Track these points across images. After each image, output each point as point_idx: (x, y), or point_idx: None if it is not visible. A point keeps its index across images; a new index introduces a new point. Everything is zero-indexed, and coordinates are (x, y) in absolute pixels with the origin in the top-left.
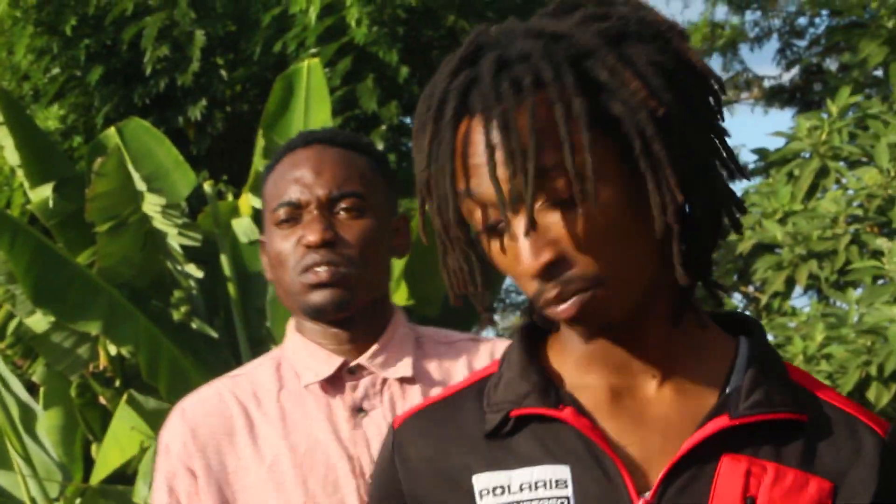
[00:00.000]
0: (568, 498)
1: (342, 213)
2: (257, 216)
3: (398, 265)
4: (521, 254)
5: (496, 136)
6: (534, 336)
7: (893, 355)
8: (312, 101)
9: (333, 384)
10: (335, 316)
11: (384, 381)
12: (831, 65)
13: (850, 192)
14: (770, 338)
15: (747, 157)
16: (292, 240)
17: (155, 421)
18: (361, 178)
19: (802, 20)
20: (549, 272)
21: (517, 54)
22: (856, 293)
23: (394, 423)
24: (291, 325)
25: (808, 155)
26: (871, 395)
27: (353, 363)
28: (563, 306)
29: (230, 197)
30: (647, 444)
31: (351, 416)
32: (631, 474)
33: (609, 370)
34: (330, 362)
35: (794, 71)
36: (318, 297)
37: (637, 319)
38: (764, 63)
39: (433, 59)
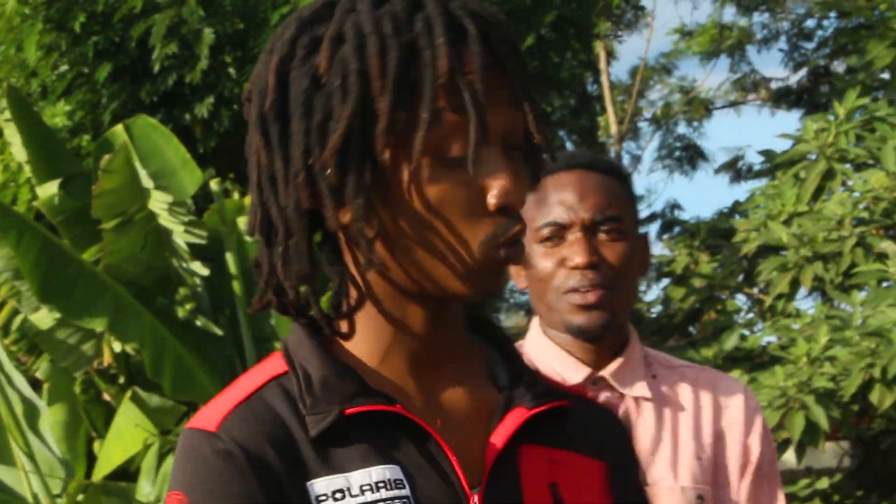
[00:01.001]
0: (408, 497)
1: (603, 235)
2: None
3: None
4: (510, 182)
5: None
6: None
7: None
8: None
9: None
10: (597, 336)
11: (622, 396)
12: (839, 67)
13: (856, 194)
14: (774, 339)
15: (754, 159)
16: (555, 258)
17: (159, 418)
18: (619, 202)
19: (810, 22)
20: (516, 212)
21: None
22: (861, 296)
23: (203, 426)
24: (537, 324)
25: (814, 157)
26: (874, 397)
27: (597, 375)
28: (512, 250)
29: (236, 195)
30: (461, 438)
31: None
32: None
33: (410, 365)
34: (578, 371)
35: (802, 73)
36: (584, 318)
37: (451, 311)
38: (771, 65)
39: None
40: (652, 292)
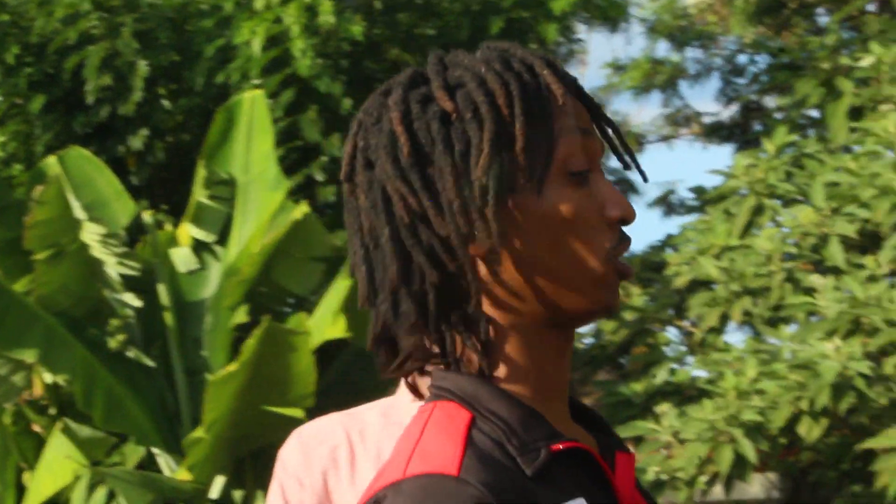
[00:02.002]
0: None
1: None
2: (196, 246)
3: (336, 299)
4: (620, 198)
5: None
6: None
7: (825, 391)
8: (255, 131)
9: None
10: None
11: None
12: (770, 102)
13: (785, 229)
14: (703, 374)
15: (686, 193)
16: None
17: (89, 450)
18: None
19: (742, 58)
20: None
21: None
22: (789, 330)
23: (445, 470)
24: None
25: (744, 192)
26: (801, 429)
27: None
28: (628, 263)
29: (169, 227)
30: None
31: None
32: None
33: (555, 399)
34: None
35: (734, 108)
36: None
37: (572, 342)
38: (704, 100)
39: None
40: None
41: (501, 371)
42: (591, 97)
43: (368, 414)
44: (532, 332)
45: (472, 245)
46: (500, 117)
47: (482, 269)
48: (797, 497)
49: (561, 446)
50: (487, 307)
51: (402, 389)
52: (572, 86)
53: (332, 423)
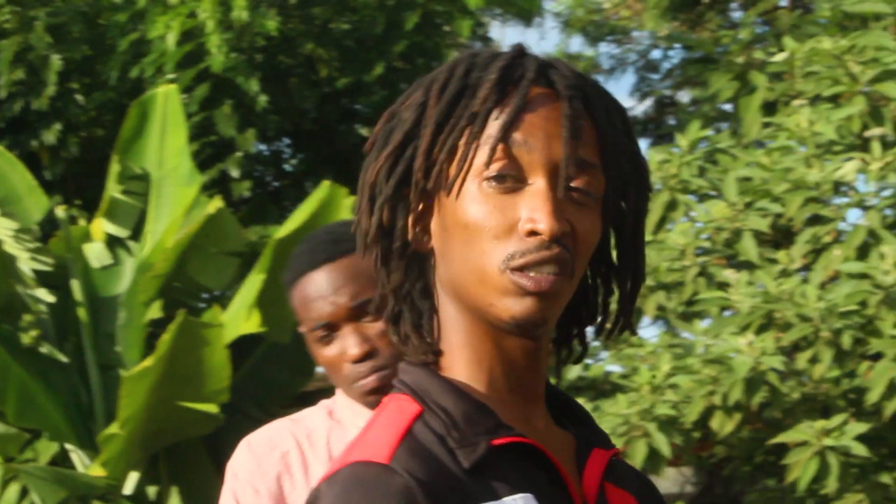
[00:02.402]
0: None
1: (369, 316)
2: (110, 241)
3: (251, 294)
4: (552, 210)
5: (572, 111)
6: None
7: (738, 385)
8: (168, 126)
9: None
10: None
11: None
12: (684, 98)
13: (699, 224)
14: (617, 368)
15: None
16: (335, 351)
17: (2, 446)
18: (373, 279)
19: (656, 53)
20: (561, 239)
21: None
22: (702, 324)
23: (374, 460)
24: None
25: (658, 188)
26: (714, 424)
27: None
28: (539, 276)
29: (83, 222)
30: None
31: None
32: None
33: (514, 398)
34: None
35: (648, 103)
36: (374, 399)
37: (545, 343)
38: (618, 95)
39: (291, 87)
40: None
41: (455, 366)
42: (589, 107)
43: (313, 417)
44: (481, 331)
45: (417, 243)
46: (419, 117)
47: (434, 267)
48: (711, 491)
49: (503, 441)
50: (440, 301)
51: (340, 395)
52: (549, 94)
53: (279, 430)
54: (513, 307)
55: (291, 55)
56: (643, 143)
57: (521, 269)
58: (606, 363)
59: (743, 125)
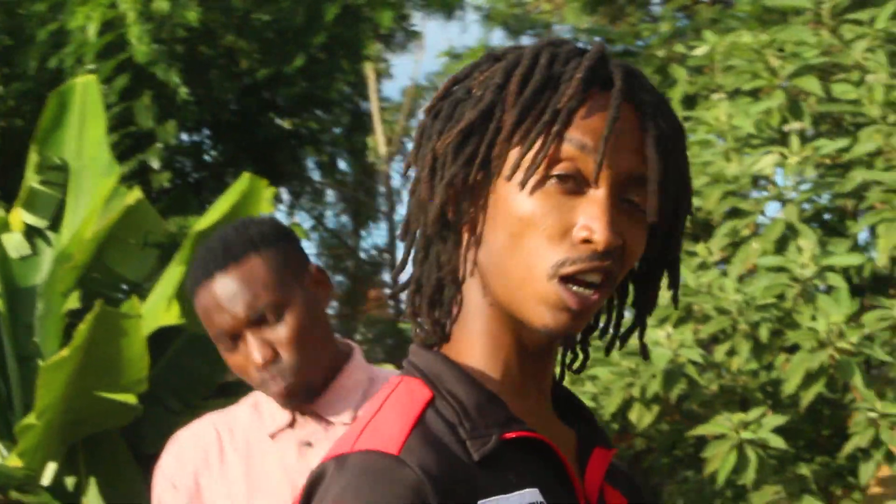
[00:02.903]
0: None
1: (270, 319)
2: (28, 232)
3: (170, 285)
4: (609, 222)
5: (657, 131)
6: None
7: (656, 377)
8: (87, 117)
9: (290, 424)
10: (296, 408)
11: (329, 424)
12: None
13: None
14: None
15: None
16: (241, 357)
17: None
18: (267, 283)
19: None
20: (612, 252)
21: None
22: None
23: (385, 450)
24: None
25: None
26: (633, 416)
27: (305, 407)
28: (584, 289)
29: (1, 212)
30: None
31: (298, 449)
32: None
33: (525, 391)
34: (286, 412)
35: None
36: (282, 402)
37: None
38: None
39: (211, 78)
40: None
41: (471, 354)
42: (658, 123)
43: (239, 410)
44: (502, 323)
45: (454, 217)
46: (496, 103)
47: (467, 248)
48: None
49: (514, 435)
50: (467, 286)
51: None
52: (629, 102)
53: (205, 426)
54: (548, 318)
55: (212, 46)
56: None
57: (568, 278)
58: None
59: None
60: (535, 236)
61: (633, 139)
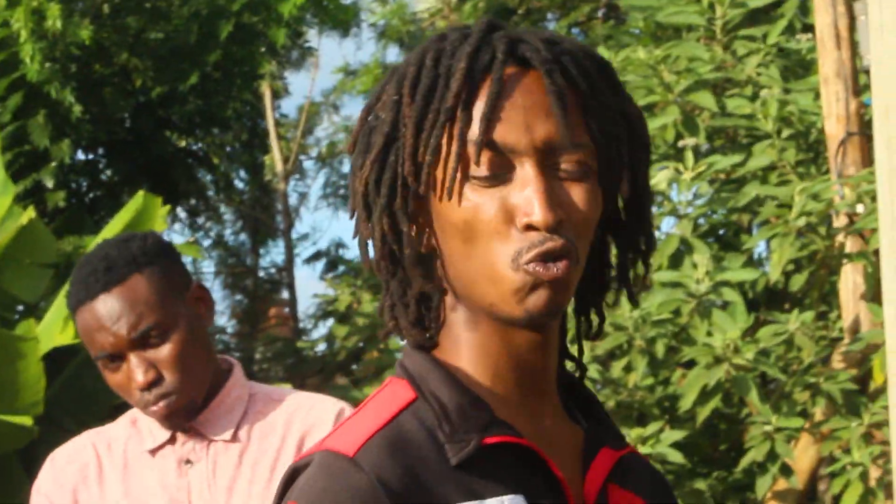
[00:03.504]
0: None
1: (152, 340)
2: None
3: (65, 306)
4: (545, 201)
5: (554, 87)
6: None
7: None
8: None
9: (170, 441)
10: (177, 426)
11: (210, 441)
12: None
13: None
14: None
15: None
16: (120, 378)
17: None
18: (149, 304)
19: None
20: (558, 225)
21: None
22: None
23: (341, 449)
24: None
25: None
26: None
27: (187, 425)
28: (549, 265)
29: None
30: (564, 470)
31: (178, 467)
32: None
33: (518, 392)
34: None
35: None
36: (167, 425)
37: (553, 334)
38: None
39: (105, 97)
40: (317, 331)
41: (458, 358)
42: (567, 77)
43: (116, 427)
44: (489, 327)
45: (400, 246)
46: (398, 120)
47: (431, 265)
48: None
49: (496, 440)
50: (446, 300)
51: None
52: (520, 70)
53: (82, 444)
54: (528, 303)
55: (106, 64)
56: None
57: (530, 262)
58: None
59: None
60: (483, 236)
61: (542, 103)
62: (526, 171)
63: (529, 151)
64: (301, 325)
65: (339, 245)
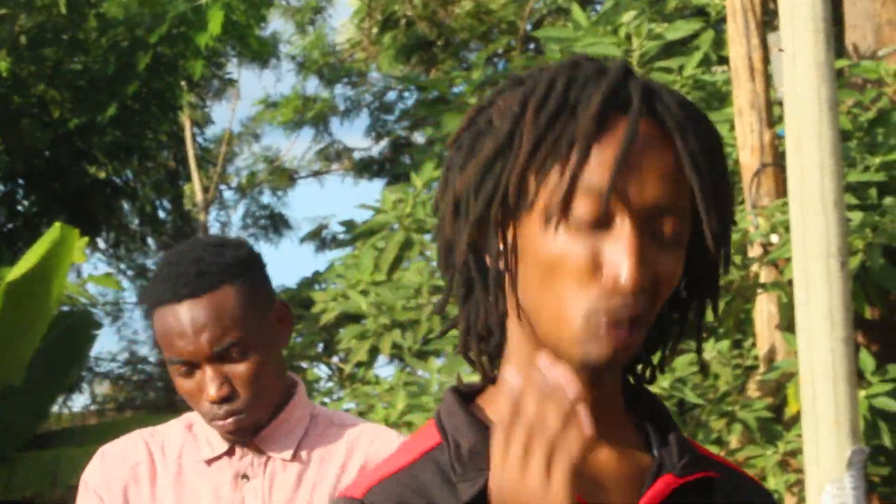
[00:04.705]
0: None
1: (233, 355)
2: None
3: None
4: (637, 262)
5: (683, 145)
6: (466, 396)
7: None
8: None
9: (227, 452)
10: (245, 441)
11: (268, 458)
12: (419, 138)
13: (434, 263)
14: (352, 406)
15: (338, 228)
16: (193, 384)
17: None
18: (236, 319)
19: (392, 95)
20: (640, 291)
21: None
22: (438, 362)
23: (351, 493)
24: None
25: (394, 227)
26: None
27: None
28: (619, 330)
29: None
30: (609, 501)
31: (234, 480)
32: None
33: None
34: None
35: (383, 143)
36: (232, 438)
37: (615, 373)
38: (354, 135)
39: (23, 128)
40: None
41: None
42: (694, 145)
43: (171, 430)
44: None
45: (487, 255)
46: (514, 133)
47: (505, 286)
48: None
49: None
50: (510, 323)
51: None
52: (653, 125)
53: (134, 442)
54: (590, 352)
55: (24, 95)
56: (379, 183)
57: (602, 323)
58: (343, 401)
59: None
60: (564, 277)
61: (661, 164)
62: (624, 229)
63: (635, 210)
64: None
65: None
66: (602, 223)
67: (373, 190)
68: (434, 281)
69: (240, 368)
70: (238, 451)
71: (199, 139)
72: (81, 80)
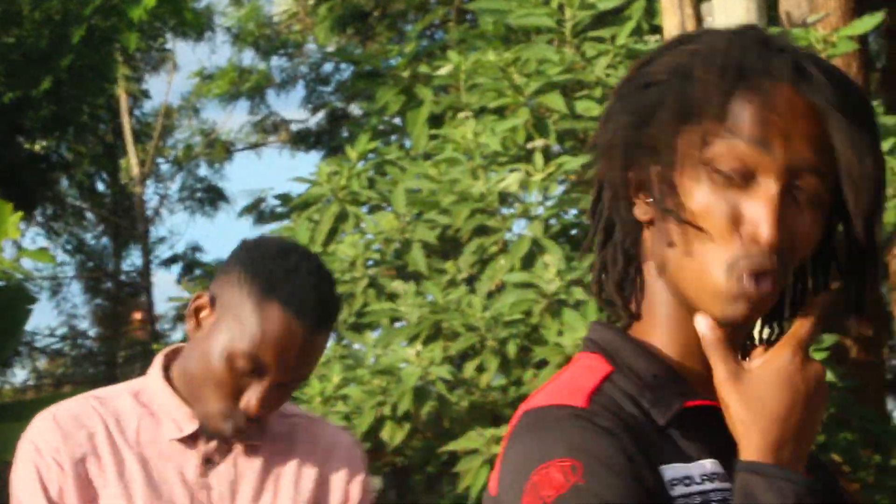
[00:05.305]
0: (731, 490)
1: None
2: None
3: None
4: (776, 220)
5: (836, 111)
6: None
7: (406, 396)
8: None
9: (192, 434)
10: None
11: (232, 444)
12: (356, 110)
13: (369, 236)
14: None
15: (273, 202)
16: (233, 387)
17: None
18: (311, 359)
19: (328, 66)
20: (778, 249)
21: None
22: (373, 335)
23: (572, 404)
24: (159, 365)
25: (329, 200)
26: (385, 434)
27: None
28: (758, 284)
29: None
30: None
31: (200, 465)
32: None
33: (704, 376)
34: (192, 422)
35: (320, 115)
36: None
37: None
38: (291, 107)
39: None
40: (176, 333)
41: (653, 333)
42: (853, 114)
43: (120, 399)
44: (682, 308)
45: (633, 204)
46: (674, 90)
47: (646, 236)
48: (384, 501)
49: (696, 403)
50: (648, 271)
51: (153, 371)
52: (813, 93)
53: (85, 408)
54: (726, 309)
55: None
56: (316, 155)
57: (744, 273)
58: None
59: (411, 138)
60: (706, 231)
61: (807, 128)
62: (767, 187)
63: (778, 168)
64: (158, 328)
65: (196, 248)
66: (745, 181)
67: (310, 162)
68: (369, 254)
69: (279, 394)
70: (202, 437)
71: (137, 113)
72: (15, 53)
